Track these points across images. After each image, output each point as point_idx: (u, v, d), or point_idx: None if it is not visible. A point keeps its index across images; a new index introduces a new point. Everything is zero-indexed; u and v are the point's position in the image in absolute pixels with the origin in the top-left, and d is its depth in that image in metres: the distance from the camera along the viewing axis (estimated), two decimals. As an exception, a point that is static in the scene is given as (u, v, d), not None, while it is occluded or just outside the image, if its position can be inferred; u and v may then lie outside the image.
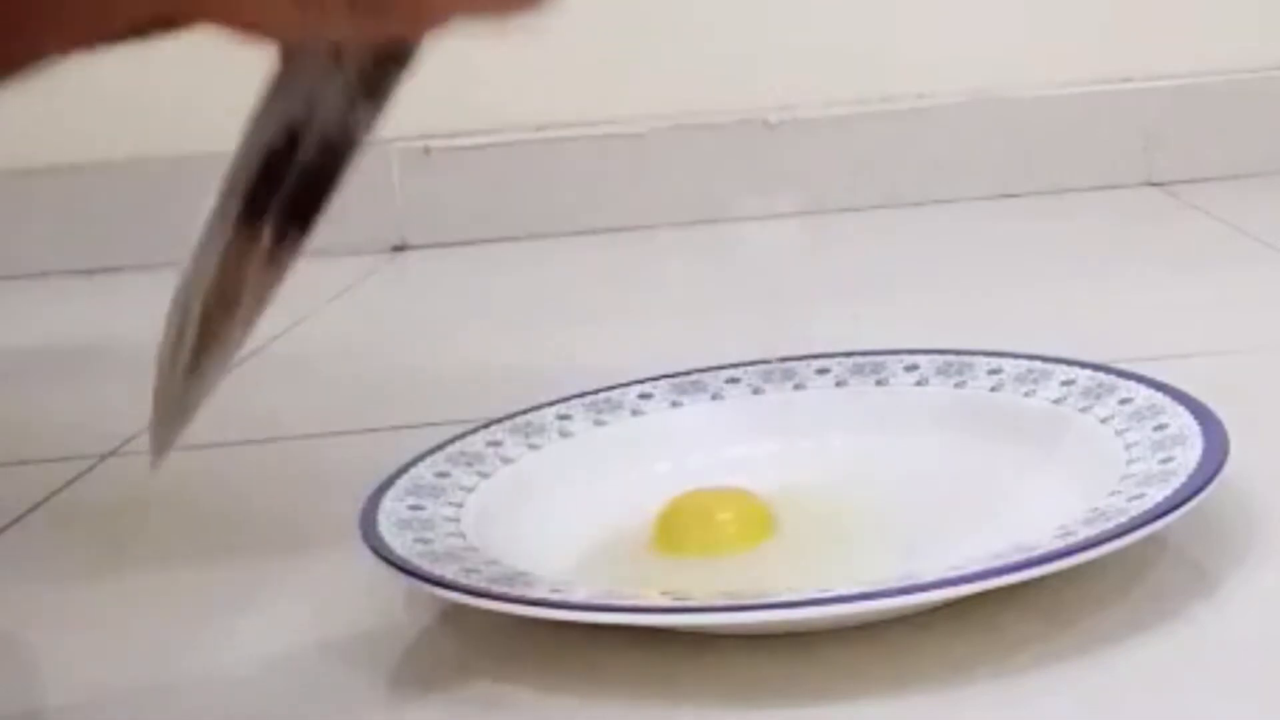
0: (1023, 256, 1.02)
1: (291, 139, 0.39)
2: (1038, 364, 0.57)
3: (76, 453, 0.72)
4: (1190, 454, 0.47)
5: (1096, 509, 0.45)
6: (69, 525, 0.64)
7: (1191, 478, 0.45)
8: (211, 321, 0.40)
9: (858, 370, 0.60)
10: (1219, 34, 1.22)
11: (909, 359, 0.60)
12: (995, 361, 0.58)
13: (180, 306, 0.40)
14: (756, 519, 0.51)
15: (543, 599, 0.43)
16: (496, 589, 0.43)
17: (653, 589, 0.46)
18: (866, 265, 1.02)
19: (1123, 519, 0.43)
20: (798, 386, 0.60)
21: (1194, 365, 0.68)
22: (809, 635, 0.43)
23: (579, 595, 0.43)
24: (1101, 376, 0.55)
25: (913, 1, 1.24)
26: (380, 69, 0.40)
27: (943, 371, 0.59)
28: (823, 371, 0.60)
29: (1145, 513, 0.43)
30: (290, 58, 0.39)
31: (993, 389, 0.57)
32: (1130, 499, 0.45)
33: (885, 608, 0.42)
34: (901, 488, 0.54)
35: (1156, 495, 0.44)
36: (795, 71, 1.23)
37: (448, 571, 0.45)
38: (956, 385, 0.58)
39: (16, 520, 0.63)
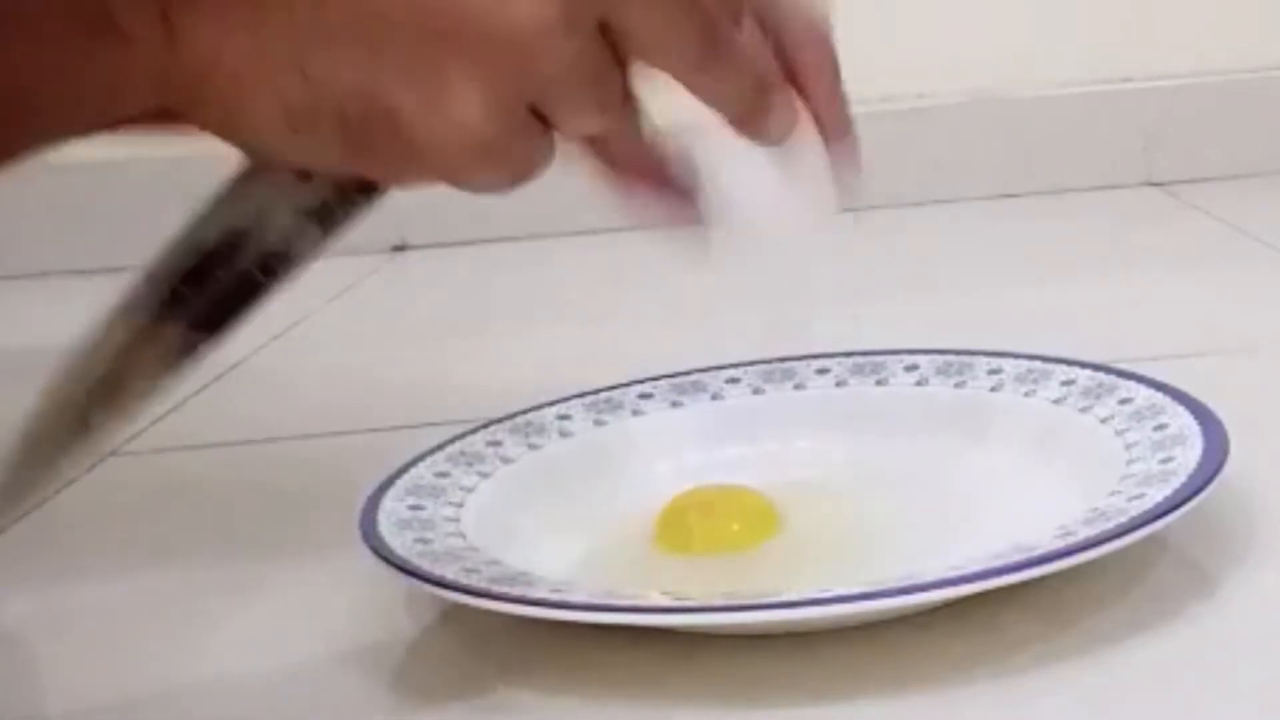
0: (1023, 256, 1.02)
1: (230, 246, 0.39)
2: (1038, 364, 0.57)
3: (76, 453, 0.72)
4: (1190, 454, 0.47)
5: (1096, 509, 0.45)
6: (69, 525, 0.64)
7: (1191, 478, 0.45)
8: (89, 407, 0.39)
9: (858, 370, 0.60)
10: (1219, 34, 1.22)
11: (909, 359, 0.60)
12: (995, 361, 0.58)
13: (59, 385, 0.39)
14: (762, 517, 0.51)
15: (543, 599, 0.43)
16: (496, 589, 0.43)
17: (654, 588, 0.46)
18: (867, 265, 1.02)
19: (1123, 519, 0.43)
20: (798, 386, 0.60)
21: (1194, 365, 0.68)
22: (809, 635, 0.43)
23: (579, 595, 0.43)
24: (1101, 376, 0.55)
25: (913, 1, 1.24)
26: (342, 202, 0.39)
27: (943, 371, 0.59)
28: (823, 371, 0.60)
29: (1145, 513, 0.43)
30: (258, 166, 0.39)
31: (993, 389, 0.57)
32: (1130, 499, 0.45)
33: (885, 608, 0.42)
34: (901, 488, 0.54)
35: (1156, 495, 0.44)
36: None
37: (448, 571, 0.45)
38: (956, 385, 0.58)
39: (17, 520, 0.63)
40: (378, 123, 0.36)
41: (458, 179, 0.38)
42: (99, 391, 0.39)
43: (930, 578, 0.41)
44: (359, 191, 0.39)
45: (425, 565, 0.45)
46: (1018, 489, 0.52)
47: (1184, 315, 0.80)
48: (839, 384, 0.60)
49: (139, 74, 0.36)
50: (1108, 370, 0.55)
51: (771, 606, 0.41)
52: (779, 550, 0.50)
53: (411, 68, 0.35)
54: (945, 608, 0.43)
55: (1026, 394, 0.56)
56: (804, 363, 0.61)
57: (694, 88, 0.40)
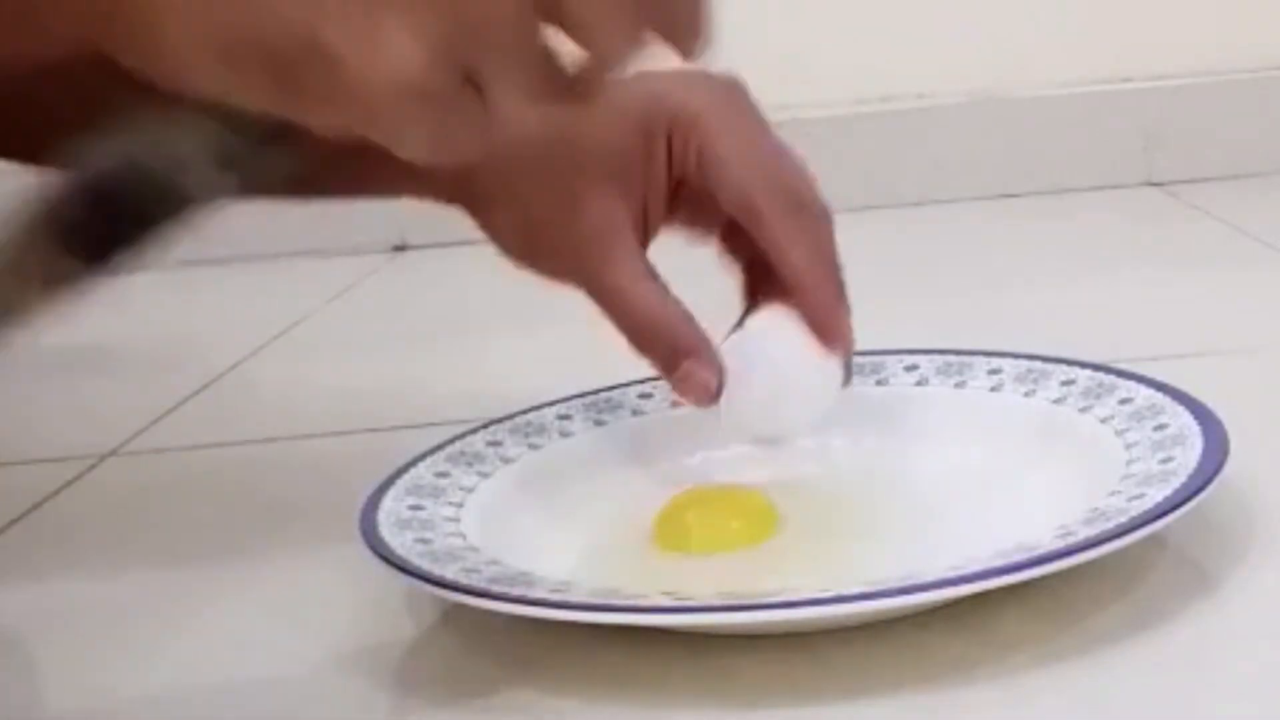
0: (1023, 256, 1.02)
1: (135, 181, 0.37)
2: (1038, 364, 0.57)
3: (76, 453, 0.72)
4: (1190, 454, 0.47)
5: (1096, 509, 0.45)
6: (69, 525, 0.64)
7: (1191, 478, 0.45)
8: None
9: (858, 370, 0.60)
10: (1219, 34, 1.22)
11: (909, 359, 0.60)
12: (995, 361, 0.58)
13: None
14: (761, 516, 0.51)
15: (543, 599, 0.43)
16: (496, 589, 0.43)
17: (654, 588, 0.45)
18: (866, 265, 1.02)
19: (1123, 519, 0.43)
20: (798, 386, 0.60)
21: (1194, 365, 0.68)
22: (809, 635, 0.43)
23: (579, 595, 0.43)
24: (1101, 376, 0.55)
25: (913, 1, 1.24)
26: (258, 150, 0.38)
27: (943, 371, 0.59)
28: (823, 371, 0.60)
29: (1145, 513, 0.43)
30: (178, 102, 0.37)
31: (993, 389, 0.57)
32: (1130, 499, 0.45)
33: (885, 608, 0.42)
34: (901, 488, 0.54)
35: (1156, 495, 0.44)
36: (796, 71, 1.23)
37: (448, 571, 0.45)
38: (956, 385, 0.58)
39: (16, 520, 0.63)
40: (309, 59, 0.35)
41: (385, 128, 0.36)
42: None
43: (930, 578, 0.41)
44: (277, 142, 0.38)
45: (425, 565, 0.45)
46: (1018, 489, 0.52)
47: (1184, 315, 0.80)
48: (839, 384, 0.60)
49: (66, 3, 0.35)
50: (1108, 370, 0.55)
51: (771, 606, 0.41)
52: (779, 550, 0.50)
53: (349, 5, 0.35)
54: (945, 607, 0.43)
55: (1026, 394, 0.56)
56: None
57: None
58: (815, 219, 0.53)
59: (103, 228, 0.37)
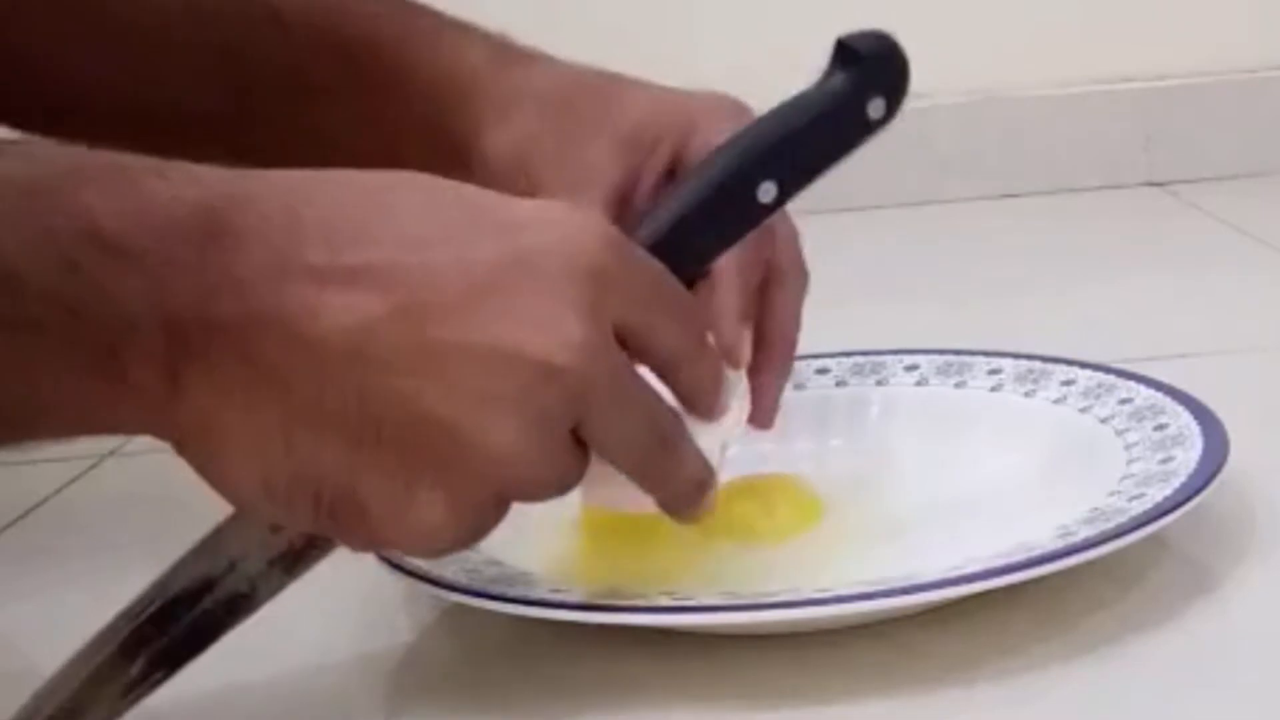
0: (1023, 256, 1.02)
1: (199, 592, 0.42)
2: (1038, 364, 0.57)
3: (76, 453, 0.72)
4: (1190, 454, 0.47)
5: (1096, 509, 0.45)
6: (68, 526, 0.64)
7: (1191, 478, 0.45)
8: None
9: (858, 370, 0.60)
10: (1219, 34, 1.22)
11: (909, 359, 0.60)
12: (995, 361, 0.58)
13: (26, 709, 0.42)
14: (807, 507, 0.51)
15: (543, 599, 0.43)
16: (496, 589, 0.43)
17: (655, 588, 0.45)
18: (867, 265, 1.02)
19: (1123, 519, 0.43)
20: (798, 386, 0.60)
21: (1194, 365, 0.68)
22: (809, 635, 0.43)
23: (579, 595, 0.43)
24: (1101, 376, 0.55)
25: (913, 1, 1.24)
26: (308, 548, 0.42)
27: (943, 371, 0.59)
28: (823, 371, 0.60)
29: (1145, 513, 0.43)
30: (238, 514, 0.42)
31: (993, 389, 0.57)
32: (1130, 499, 0.45)
33: (885, 608, 0.42)
34: (901, 488, 0.54)
35: (1156, 495, 0.44)
36: (796, 71, 1.23)
37: (448, 571, 0.45)
38: (956, 385, 0.58)
39: (16, 520, 0.63)
40: (346, 507, 0.37)
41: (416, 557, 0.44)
42: (59, 718, 0.41)
43: (930, 578, 0.41)
44: (327, 541, 0.42)
45: (425, 565, 0.45)
46: (1018, 489, 0.52)
47: (1184, 315, 0.80)
48: (839, 384, 0.60)
49: (134, 416, 0.38)
50: (1108, 370, 0.55)
51: (771, 606, 0.41)
52: (778, 549, 0.50)
53: (387, 469, 0.37)
54: (946, 607, 0.43)
55: (1026, 394, 0.56)
56: (804, 363, 0.61)
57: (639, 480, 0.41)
58: (804, 281, 0.54)
59: (174, 639, 0.42)
